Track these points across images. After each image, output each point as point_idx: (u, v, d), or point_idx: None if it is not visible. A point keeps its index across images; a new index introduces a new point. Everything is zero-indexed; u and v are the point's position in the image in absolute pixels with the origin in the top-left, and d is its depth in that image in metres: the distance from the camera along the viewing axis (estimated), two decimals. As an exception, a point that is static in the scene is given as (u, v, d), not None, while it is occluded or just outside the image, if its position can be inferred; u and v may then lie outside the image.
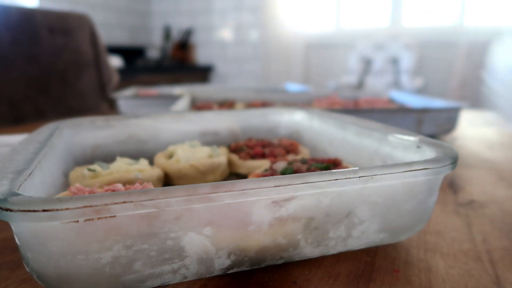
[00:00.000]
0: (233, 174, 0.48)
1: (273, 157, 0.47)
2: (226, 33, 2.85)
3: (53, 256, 0.22)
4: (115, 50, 2.48)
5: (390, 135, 0.38)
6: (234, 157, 0.48)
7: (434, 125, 0.73)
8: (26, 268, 0.24)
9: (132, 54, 2.75)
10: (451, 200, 0.45)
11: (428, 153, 0.32)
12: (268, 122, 0.59)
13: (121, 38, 2.79)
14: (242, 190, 0.24)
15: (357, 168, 0.27)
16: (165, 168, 0.44)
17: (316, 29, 2.67)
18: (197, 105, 0.88)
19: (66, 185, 0.39)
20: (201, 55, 2.97)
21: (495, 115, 1.12)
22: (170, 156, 0.47)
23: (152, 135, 0.52)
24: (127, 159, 0.43)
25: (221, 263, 0.27)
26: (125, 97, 0.96)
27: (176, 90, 1.14)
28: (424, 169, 0.28)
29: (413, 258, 0.31)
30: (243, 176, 0.46)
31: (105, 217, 0.22)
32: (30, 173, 0.27)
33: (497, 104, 1.84)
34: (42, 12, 1.16)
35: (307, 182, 0.25)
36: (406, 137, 0.36)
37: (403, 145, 0.36)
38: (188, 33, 2.82)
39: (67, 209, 0.21)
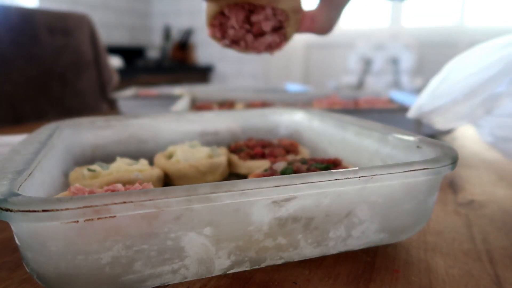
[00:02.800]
0: (233, 175, 0.48)
1: (273, 157, 0.47)
2: (226, 33, 2.85)
3: (53, 256, 0.22)
4: (115, 50, 2.48)
5: (390, 135, 0.38)
6: (234, 157, 0.48)
7: (434, 125, 0.73)
8: (26, 268, 0.24)
9: (132, 54, 2.75)
10: (451, 200, 0.45)
11: (428, 153, 0.32)
12: (268, 122, 0.59)
13: (121, 38, 2.79)
14: (242, 190, 0.24)
15: (357, 168, 0.27)
16: (165, 168, 0.44)
17: (316, 29, 2.66)
18: (197, 105, 0.88)
19: (66, 185, 0.39)
20: (201, 55, 2.97)
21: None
22: (170, 156, 0.47)
23: (152, 135, 0.52)
24: (127, 159, 0.43)
25: (221, 263, 0.27)
26: (125, 97, 0.96)
27: (176, 90, 1.13)
28: (424, 169, 0.28)
29: (413, 258, 0.31)
30: (243, 177, 0.46)
31: (105, 217, 0.22)
32: (30, 174, 0.27)
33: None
34: (42, 12, 1.16)
35: (307, 182, 0.25)
36: (406, 137, 0.36)
37: (403, 145, 0.36)
38: (188, 33, 2.82)
39: (67, 209, 0.21)
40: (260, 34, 0.37)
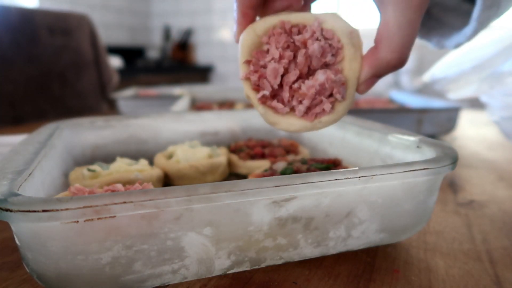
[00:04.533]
0: (233, 175, 0.48)
1: (273, 157, 0.47)
2: (226, 33, 2.85)
3: (53, 256, 0.22)
4: (115, 50, 2.48)
5: (390, 135, 0.38)
6: (234, 158, 0.48)
7: (434, 125, 0.73)
8: (26, 268, 0.24)
9: (132, 54, 2.75)
10: (451, 200, 0.45)
11: (428, 153, 0.32)
12: (268, 122, 0.59)
13: (121, 38, 2.79)
14: (242, 190, 0.24)
15: (357, 168, 0.27)
16: (165, 168, 0.44)
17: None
18: (197, 105, 0.88)
19: (66, 185, 0.39)
20: (201, 55, 2.97)
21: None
22: (170, 156, 0.47)
23: (152, 135, 0.52)
24: (127, 159, 0.43)
25: (221, 263, 0.27)
26: (125, 98, 0.96)
27: (176, 90, 1.13)
28: (424, 169, 0.28)
29: (413, 258, 0.31)
30: (243, 177, 0.46)
31: (105, 217, 0.22)
32: (30, 174, 0.27)
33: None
34: (42, 13, 1.16)
35: (307, 182, 0.25)
36: (406, 137, 0.36)
37: (403, 145, 0.36)
38: (188, 33, 2.82)
39: (67, 209, 0.21)
40: (308, 74, 0.28)
